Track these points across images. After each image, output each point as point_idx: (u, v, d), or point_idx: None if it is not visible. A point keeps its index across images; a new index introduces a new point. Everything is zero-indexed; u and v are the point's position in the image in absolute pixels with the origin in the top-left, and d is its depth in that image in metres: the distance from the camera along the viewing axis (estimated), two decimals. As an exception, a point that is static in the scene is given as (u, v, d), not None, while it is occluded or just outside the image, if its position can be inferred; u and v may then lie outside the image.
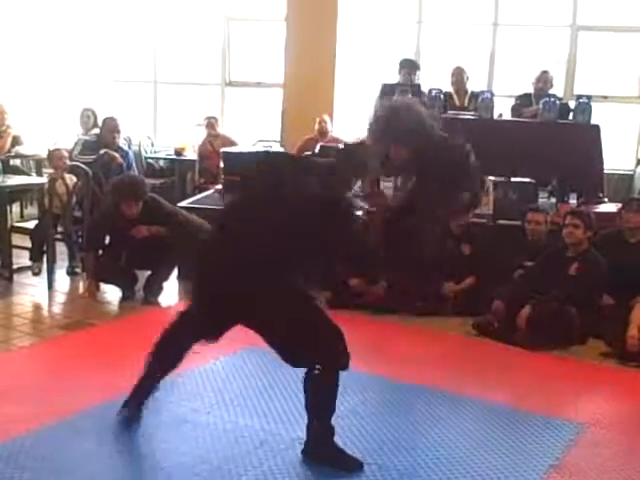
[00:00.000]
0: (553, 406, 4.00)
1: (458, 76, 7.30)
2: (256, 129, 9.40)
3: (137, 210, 5.48)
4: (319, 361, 3.11)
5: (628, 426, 3.85)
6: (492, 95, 6.58)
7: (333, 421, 3.21)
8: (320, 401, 3.19)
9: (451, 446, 3.49)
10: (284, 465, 3.22)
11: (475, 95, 7.12)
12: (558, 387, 4.29)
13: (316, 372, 3.10)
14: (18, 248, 6.27)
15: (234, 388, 4.08)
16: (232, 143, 8.31)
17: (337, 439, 3.39)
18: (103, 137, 7.05)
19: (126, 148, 7.28)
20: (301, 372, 4.25)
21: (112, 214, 5.60)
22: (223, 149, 7.12)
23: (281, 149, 7.36)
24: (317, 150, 7.88)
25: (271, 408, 3.83)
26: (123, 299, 5.69)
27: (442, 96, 6.56)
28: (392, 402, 4.00)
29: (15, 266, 6.17)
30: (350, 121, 8.94)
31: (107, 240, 5.84)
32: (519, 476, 3.24)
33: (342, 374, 4.27)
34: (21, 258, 6.29)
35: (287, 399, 3.95)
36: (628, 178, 8.34)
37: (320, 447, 3.21)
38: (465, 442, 3.53)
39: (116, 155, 6.71)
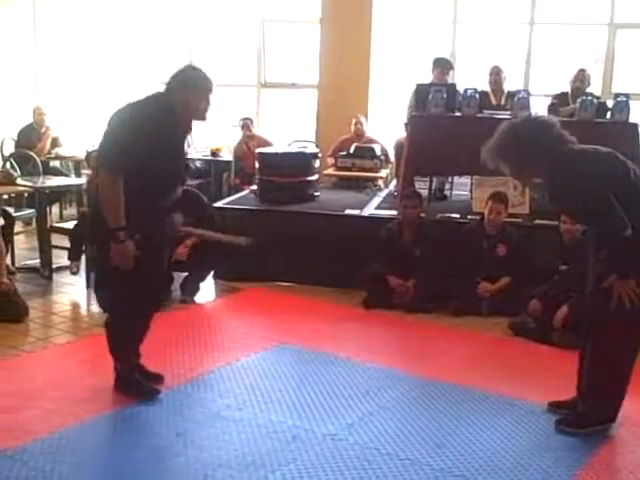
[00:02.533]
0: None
1: (496, 75, 7.25)
2: (291, 130, 9.44)
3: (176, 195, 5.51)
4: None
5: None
6: (528, 94, 6.51)
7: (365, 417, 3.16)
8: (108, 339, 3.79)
9: (484, 444, 3.47)
10: (317, 460, 3.23)
11: (512, 94, 7.05)
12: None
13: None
14: (57, 248, 6.38)
15: (266, 384, 4.11)
16: (267, 144, 8.36)
17: (370, 435, 3.42)
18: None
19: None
20: (329, 370, 4.32)
21: None
22: (258, 150, 7.16)
23: (316, 149, 7.35)
24: (352, 150, 7.94)
25: (302, 404, 3.85)
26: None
27: (477, 95, 6.51)
28: (426, 400, 3.98)
29: (54, 265, 6.28)
30: (385, 121, 8.95)
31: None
32: (552, 473, 3.22)
33: (375, 371, 4.33)
34: (60, 258, 6.39)
35: (318, 395, 3.98)
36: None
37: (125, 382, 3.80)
38: (498, 441, 3.51)
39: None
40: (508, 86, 7.41)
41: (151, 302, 3.85)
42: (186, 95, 3.46)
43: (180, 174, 3.66)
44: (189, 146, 3.73)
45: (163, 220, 3.63)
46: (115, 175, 3.33)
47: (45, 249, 6.26)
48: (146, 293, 3.65)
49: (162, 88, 3.56)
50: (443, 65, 7.16)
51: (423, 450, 3.38)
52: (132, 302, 3.60)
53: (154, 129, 3.38)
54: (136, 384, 3.82)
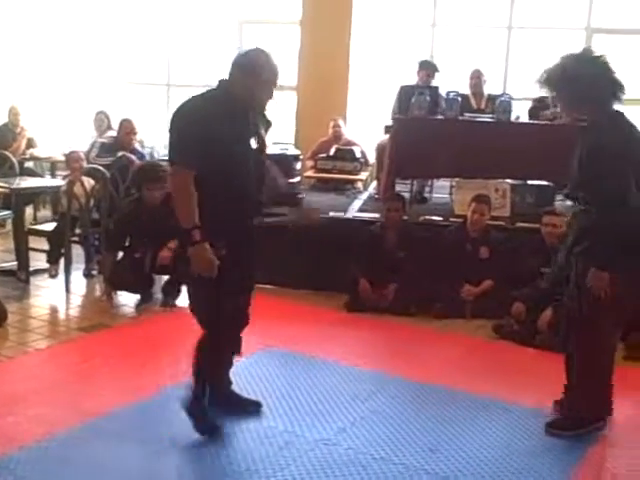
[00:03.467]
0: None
1: (477, 79, 7.29)
2: (271, 132, 9.37)
3: (159, 196, 5.46)
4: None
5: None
6: (510, 98, 6.54)
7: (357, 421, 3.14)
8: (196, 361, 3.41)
9: (474, 446, 3.47)
10: (312, 466, 3.20)
11: (492, 98, 7.09)
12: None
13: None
14: (34, 251, 6.27)
15: (254, 389, 4.06)
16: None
17: (363, 440, 3.40)
18: (120, 139, 7.05)
19: (142, 150, 7.27)
20: (317, 373, 4.29)
21: (133, 209, 5.61)
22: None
23: (297, 151, 7.32)
24: (332, 153, 7.92)
25: (293, 409, 3.82)
26: (140, 302, 5.67)
27: (459, 98, 6.54)
28: (415, 403, 3.97)
29: (31, 268, 6.17)
30: (364, 124, 8.94)
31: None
32: (545, 475, 3.23)
33: (363, 375, 4.31)
34: (37, 261, 6.28)
35: (308, 400, 3.94)
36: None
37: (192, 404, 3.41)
38: (488, 443, 3.52)
39: (133, 158, 6.70)
40: (488, 89, 7.45)
41: (241, 320, 3.56)
42: (247, 81, 3.20)
43: (249, 167, 3.30)
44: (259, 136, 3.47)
45: (247, 227, 3.36)
46: (186, 171, 3.09)
47: (22, 252, 6.15)
48: (235, 311, 3.40)
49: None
50: (428, 68, 7.17)
51: (417, 454, 3.37)
52: (225, 319, 3.33)
53: (214, 119, 3.11)
54: (201, 413, 3.43)
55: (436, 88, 6.74)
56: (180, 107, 3.20)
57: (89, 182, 6.16)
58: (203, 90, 3.28)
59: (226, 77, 3.24)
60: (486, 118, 6.63)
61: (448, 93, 6.51)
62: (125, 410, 3.69)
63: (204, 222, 3.07)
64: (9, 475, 3.05)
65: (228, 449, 3.34)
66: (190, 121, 3.12)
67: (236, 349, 3.64)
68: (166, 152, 9.18)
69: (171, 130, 3.17)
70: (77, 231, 6.17)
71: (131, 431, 3.48)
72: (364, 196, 7.47)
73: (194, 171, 3.08)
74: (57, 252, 6.08)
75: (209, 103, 3.17)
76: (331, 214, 6.36)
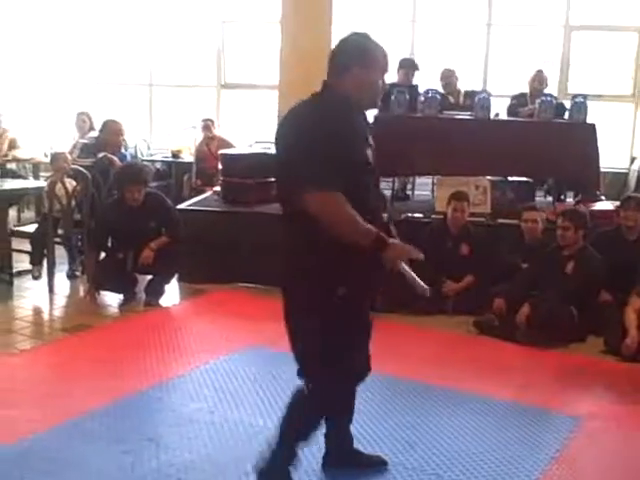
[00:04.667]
0: (552, 401, 4.04)
1: (447, 79, 7.37)
2: (252, 130, 9.42)
3: (140, 197, 5.51)
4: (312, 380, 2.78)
5: (623, 418, 3.90)
6: (489, 95, 6.60)
7: None
8: (291, 421, 2.86)
9: (454, 441, 3.52)
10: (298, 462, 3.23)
11: (469, 94, 7.16)
12: (557, 382, 4.34)
13: (305, 391, 2.79)
14: (18, 252, 6.28)
15: (236, 387, 4.11)
16: (228, 145, 8.34)
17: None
18: (105, 140, 7.02)
19: (124, 151, 7.28)
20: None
21: (114, 210, 5.64)
22: (221, 151, 7.14)
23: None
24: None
25: (274, 406, 3.84)
26: (124, 302, 5.70)
27: (438, 96, 6.59)
28: (395, 398, 4.02)
29: (15, 270, 6.18)
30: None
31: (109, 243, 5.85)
32: (521, 468, 3.28)
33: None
34: (21, 262, 6.29)
35: (286, 396, 3.96)
36: (622, 176, 8.41)
37: (271, 470, 2.85)
38: (467, 437, 3.57)
39: (115, 158, 6.72)
40: (465, 85, 7.51)
41: (362, 374, 3.00)
42: (358, 76, 2.63)
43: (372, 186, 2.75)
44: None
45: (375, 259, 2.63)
46: (332, 191, 2.48)
47: (5, 253, 6.15)
48: (357, 365, 2.90)
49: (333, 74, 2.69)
50: (408, 66, 7.22)
51: (395, 449, 3.42)
52: (355, 373, 2.90)
53: (347, 130, 2.59)
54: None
55: (415, 86, 6.78)
56: (302, 119, 2.61)
57: (70, 183, 6.17)
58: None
59: (331, 78, 2.67)
60: (465, 116, 6.69)
61: (427, 91, 6.55)
62: (104, 410, 3.72)
63: (322, 256, 2.59)
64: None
65: (208, 445, 3.38)
66: (324, 135, 2.51)
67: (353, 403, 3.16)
68: (149, 152, 9.22)
69: (295, 150, 2.55)
70: (59, 232, 6.19)
71: (110, 431, 3.51)
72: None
73: (340, 190, 2.50)
74: (40, 253, 6.09)
75: (334, 112, 2.57)
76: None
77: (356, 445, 3.27)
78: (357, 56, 2.63)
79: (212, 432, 3.54)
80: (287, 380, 4.16)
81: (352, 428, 3.50)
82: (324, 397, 2.82)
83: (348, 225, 2.53)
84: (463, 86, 7.50)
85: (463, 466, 3.28)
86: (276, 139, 2.69)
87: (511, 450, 3.45)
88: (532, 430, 3.66)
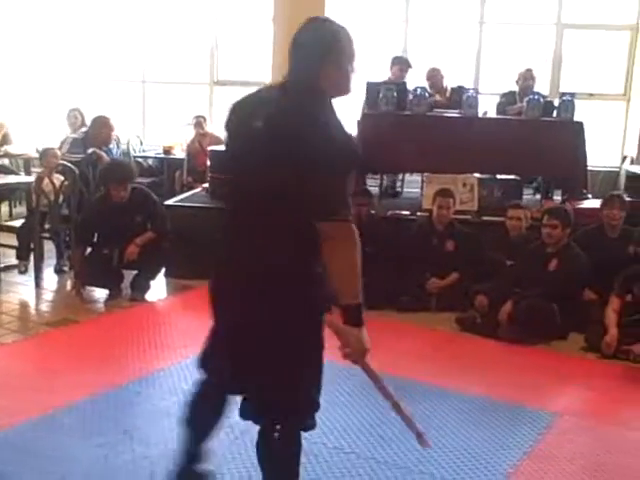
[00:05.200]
0: (529, 397, 4.06)
1: (433, 78, 7.40)
2: (244, 128, 9.42)
3: (126, 194, 5.54)
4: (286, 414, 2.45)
5: (599, 415, 3.93)
6: (477, 93, 6.62)
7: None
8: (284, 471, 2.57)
9: (430, 437, 3.52)
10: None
11: (456, 90, 7.17)
12: (535, 379, 4.35)
13: (275, 435, 2.44)
14: (5, 247, 6.30)
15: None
16: (220, 142, 8.32)
17: (318, 430, 3.43)
18: (93, 135, 7.03)
19: (112, 147, 7.29)
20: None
21: (100, 205, 5.66)
22: (210, 147, 7.15)
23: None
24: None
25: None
26: (110, 297, 5.71)
27: (427, 94, 6.61)
28: (370, 394, 4.00)
29: (2, 265, 6.20)
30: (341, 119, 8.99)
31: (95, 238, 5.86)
32: (494, 463, 3.30)
33: (326, 365, 4.36)
34: (8, 257, 6.31)
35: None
36: (614, 175, 8.41)
37: None
38: (443, 433, 3.58)
39: (103, 154, 6.74)
40: (452, 82, 7.52)
41: None
42: (333, 68, 2.36)
43: None
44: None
45: None
46: (352, 224, 2.23)
47: (-9, 248, 6.19)
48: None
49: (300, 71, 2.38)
50: (402, 63, 7.24)
51: (368, 443, 3.44)
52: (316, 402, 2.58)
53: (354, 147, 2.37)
54: None
55: (404, 84, 6.80)
56: (306, 127, 2.24)
57: (58, 178, 6.19)
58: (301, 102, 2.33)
59: (301, 73, 2.35)
60: (453, 113, 6.70)
61: (415, 89, 6.57)
62: (82, 403, 3.74)
63: (316, 284, 2.37)
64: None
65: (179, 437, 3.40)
66: (343, 159, 2.24)
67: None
68: (142, 148, 9.17)
69: (313, 175, 2.19)
70: (47, 227, 6.21)
71: (86, 423, 3.53)
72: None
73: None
74: (26, 248, 6.11)
75: (338, 123, 2.31)
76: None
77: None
78: (327, 48, 2.36)
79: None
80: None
81: (328, 421, 3.55)
82: (297, 436, 2.51)
83: (353, 271, 2.26)
84: (448, 82, 7.51)
85: (435, 460, 3.30)
86: (259, 140, 2.30)
87: (485, 445, 3.47)
88: (507, 426, 3.69)
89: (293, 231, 2.28)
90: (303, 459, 3.18)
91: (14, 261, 6.24)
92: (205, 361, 2.59)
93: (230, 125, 2.49)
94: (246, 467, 3.18)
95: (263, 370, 2.39)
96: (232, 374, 2.47)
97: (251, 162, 2.34)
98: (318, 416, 3.62)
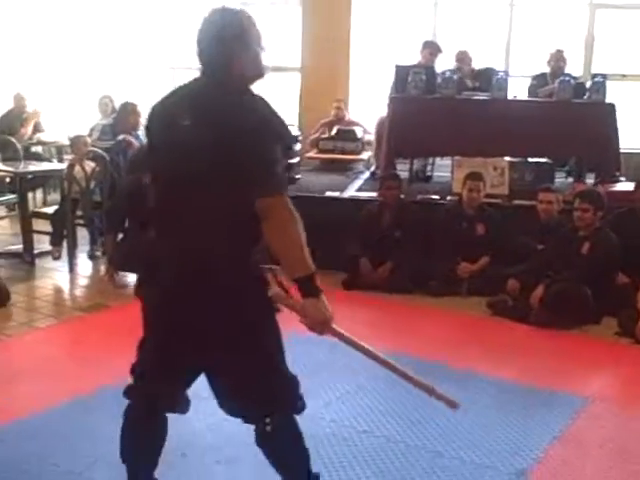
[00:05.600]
0: (560, 381, 4.04)
1: (461, 62, 7.29)
2: (274, 112, 9.42)
3: None
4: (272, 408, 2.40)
5: (631, 401, 3.89)
6: (507, 75, 6.54)
7: (342, 396, 3.16)
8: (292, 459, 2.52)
9: (458, 420, 3.51)
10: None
11: (482, 72, 7.09)
12: (567, 363, 4.32)
13: (267, 428, 2.38)
14: (39, 233, 6.39)
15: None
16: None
17: (347, 413, 3.47)
18: (122, 121, 7.07)
19: (140, 132, 7.33)
20: (306, 349, 4.35)
21: (131, 192, 5.70)
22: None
23: (297, 132, 7.34)
24: (334, 133, 7.97)
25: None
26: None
27: (455, 77, 6.55)
28: (399, 379, 4.02)
29: (37, 251, 6.29)
30: (367, 104, 8.97)
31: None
32: (524, 447, 3.29)
33: (354, 350, 4.36)
34: (43, 243, 6.40)
35: (298, 375, 3.99)
36: (649, 157, 8.27)
37: None
38: (473, 417, 3.56)
39: (132, 140, 6.78)
40: (480, 65, 7.44)
41: None
42: (244, 55, 2.32)
43: None
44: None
45: None
46: (287, 197, 2.24)
47: (27, 234, 6.27)
48: None
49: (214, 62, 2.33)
50: (432, 48, 7.17)
51: (399, 427, 3.44)
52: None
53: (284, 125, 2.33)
54: None
55: (432, 67, 6.74)
56: (233, 110, 2.23)
57: (89, 165, 6.25)
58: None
59: (212, 61, 2.32)
60: (482, 96, 6.64)
61: (444, 72, 6.52)
62: (115, 387, 3.74)
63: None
64: (1, 445, 3.16)
65: (210, 422, 3.43)
66: (272, 130, 2.23)
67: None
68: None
69: (253, 148, 2.18)
70: (79, 213, 6.28)
71: (120, 407, 3.56)
72: (365, 176, 7.50)
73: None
74: (59, 234, 6.19)
75: (262, 100, 2.28)
76: (327, 194, 6.41)
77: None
78: (233, 34, 2.31)
79: (213, 410, 3.57)
80: (294, 359, 4.14)
81: (358, 405, 3.56)
82: (291, 422, 2.46)
83: (298, 242, 2.23)
84: (480, 66, 7.43)
85: (465, 444, 3.29)
86: (183, 130, 2.25)
87: (515, 429, 3.46)
88: (538, 410, 3.67)
89: (231, 223, 2.23)
90: (333, 442, 3.26)
91: (48, 247, 6.33)
92: (146, 377, 2.50)
93: (152, 129, 2.42)
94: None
95: (230, 369, 2.34)
96: (185, 383, 2.48)
97: (184, 161, 2.26)
98: (346, 399, 3.69)
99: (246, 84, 2.33)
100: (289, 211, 2.21)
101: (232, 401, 2.41)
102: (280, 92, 9.71)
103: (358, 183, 7.05)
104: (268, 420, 2.37)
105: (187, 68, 10.08)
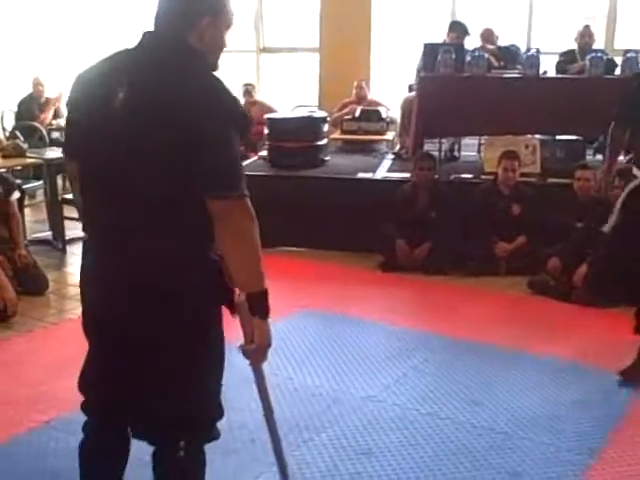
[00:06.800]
0: (612, 360, 3.97)
1: (486, 40, 7.22)
2: (293, 95, 9.37)
3: None
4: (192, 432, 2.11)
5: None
6: (538, 52, 6.47)
7: (400, 378, 3.14)
8: None
9: (519, 400, 3.52)
10: (360, 422, 3.28)
11: (504, 49, 7.03)
12: (616, 342, 4.26)
13: (180, 453, 2.09)
14: (69, 220, 6.34)
15: (297, 349, 4.13)
16: (270, 110, 8.29)
17: (408, 396, 3.45)
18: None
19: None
20: (356, 332, 4.34)
21: None
22: (268, 115, 7.10)
23: (325, 113, 7.27)
24: (358, 114, 7.90)
25: (336, 367, 3.89)
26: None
27: (486, 55, 6.48)
28: (455, 359, 4.01)
29: (67, 237, 6.25)
30: (388, 83, 8.90)
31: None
32: (591, 427, 3.28)
33: (401, 333, 4.36)
34: (73, 230, 6.35)
35: (350, 358, 4.02)
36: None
37: None
38: (532, 397, 3.56)
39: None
40: (505, 42, 7.39)
41: None
42: (211, 29, 2.00)
43: None
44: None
45: None
46: (248, 200, 1.91)
47: (57, 221, 6.22)
48: None
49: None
50: (459, 31, 7.08)
51: (462, 408, 3.43)
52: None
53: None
54: None
55: (462, 45, 6.67)
56: (181, 87, 1.87)
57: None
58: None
59: (173, 28, 1.97)
60: (513, 74, 6.57)
61: (474, 50, 6.45)
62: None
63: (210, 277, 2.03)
64: (70, 436, 3.11)
65: (275, 406, 3.39)
66: (227, 117, 1.90)
67: None
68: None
69: (209, 143, 1.85)
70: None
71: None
72: (391, 156, 7.44)
73: None
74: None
75: (221, 84, 1.94)
76: (360, 175, 6.36)
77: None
78: (208, 4, 1.99)
79: (278, 394, 3.55)
80: (346, 342, 4.23)
81: (418, 388, 3.54)
82: (202, 451, 2.17)
83: (255, 254, 1.92)
84: (504, 43, 7.37)
85: (532, 424, 3.28)
86: (118, 112, 1.89)
87: (579, 409, 3.44)
88: (600, 388, 3.64)
89: (179, 222, 1.91)
90: (400, 425, 3.25)
91: (79, 233, 6.26)
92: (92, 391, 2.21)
93: (75, 103, 2.04)
94: (343, 432, 3.19)
95: (159, 385, 2.05)
96: (122, 397, 2.11)
97: (116, 146, 1.90)
98: (404, 381, 3.67)
99: (202, 57, 1.99)
100: (249, 216, 1.88)
101: (150, 420, 2.10)
102: (298, 73, 9.69)
103: (387, 164, 7.00)
104: (183, 444, 2.08)
105: (275, 50, 9.99)
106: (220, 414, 2.18)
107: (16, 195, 5.29)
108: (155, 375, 2.04)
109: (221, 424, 2.18)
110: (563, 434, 3.21)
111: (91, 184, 2.03)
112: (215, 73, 1.97)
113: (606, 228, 3.92)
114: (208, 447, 2.85)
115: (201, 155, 1.82)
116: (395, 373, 3.81)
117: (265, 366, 3.72)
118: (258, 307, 1.97)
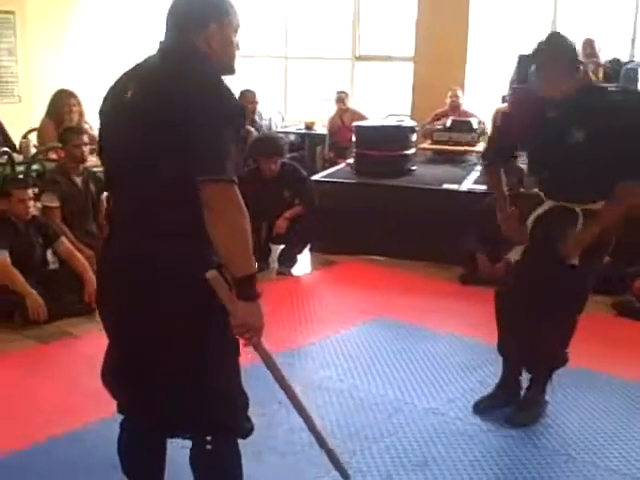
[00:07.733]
0: None
1: (587, 50, 7.01)
2: (386, 103, 9.38)
3: (276, 168, 5.63)
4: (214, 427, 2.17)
5: None
6: (637, 66, 6.26)
7: (466, 392, 3.13)
8: None
9: (586, 422, 3.43)
10: (420, 434, 3.26)
11: (612, 63, 6.83)
12: None
13: (208, 447, 2.17)
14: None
15: (366, 357, 4.14)
16: (362, 117, 8.34)
17: (468, 409, 3.41)
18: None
19: (260, 121, 7.43)
20: (427, 344, 4.31)
21: (250, 180, 5.77)
22: (355, 123, 7.14)
23: (413, 123, 7.25)
24: (449, 124, 7.84)
25: (403, 378, 3.88)
26: (258, 271, 5.81)
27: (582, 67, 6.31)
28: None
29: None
30: (482, 94, 8.79)
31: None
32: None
33: (473, 346, 4.30)
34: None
35: (417, 369, 4.00)
36: None
37: None
38: (601, 419, 3.47)
39: (251, 129, 6.87)
40: (607, 56, 7.18)
41: None
42: (218, 33, 2.13)
43: None
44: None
45: None
46: (235, 186, 1.97)
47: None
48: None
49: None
50: None
51: (526, 427, 3.35)
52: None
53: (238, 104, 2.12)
54: None
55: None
56: (180, 78, 1.99)
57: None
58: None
59: (183, 33, 2.10)
60: (612, 88, 6.37)
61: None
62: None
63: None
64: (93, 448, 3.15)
65: (337, 412, 3.44)
66: (222, 113, 1.97)
67: None
68: (284, 124, 9.27)
69: (195, 125, 1.93)
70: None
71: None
72: (479, 168, 7.34)
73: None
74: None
75: (219, 77, 2.04)
76: (445, 186, 6.31)
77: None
78: (213, 8, 2.12)
79: (342, 400, 3.60)
80: (416, 353, 4.21)
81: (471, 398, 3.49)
82: (234, 444, 2.22)
83: (243, 238, 1.98)
84: (606, 56, 7.16)
85: (598, 449, 3.18)
86: (128, 107, 2.05)
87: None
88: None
89: (177, 210, 2.00)
90: (460, 440, 3.21)
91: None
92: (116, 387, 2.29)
93: (103, 107, 2.20)
94: (402, 443, 3.18)
95: (173, 384, 2.09)
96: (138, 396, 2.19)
97: (123, 137, 2.06)
98: (470, 396, 3.61)
99: (206, 59, 2.09)
100: (237, 202, 1.95)
101: (172, 418, 2.16)
102: (391, 82, 9.69)
103: (474, 175, 6.92)
104: (209, 439, 2.16)
105: (300, 58, 10.19)
106: (243, 407, 2.22)
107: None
108: (158, 372, 2.10)
109: (259, 422, 2.27)
110: (631, 461, 3.09)
111: (112, 180, 2.19)
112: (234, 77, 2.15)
113: None
114: (266, 447, 2.95)
115: (192, 142, 1.93)
116: (462, 387, 3.77)
117: (331, 372, 3.78)
118: (245, 290, 2.02)
